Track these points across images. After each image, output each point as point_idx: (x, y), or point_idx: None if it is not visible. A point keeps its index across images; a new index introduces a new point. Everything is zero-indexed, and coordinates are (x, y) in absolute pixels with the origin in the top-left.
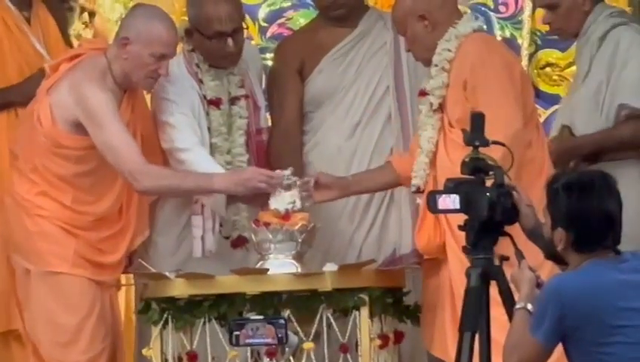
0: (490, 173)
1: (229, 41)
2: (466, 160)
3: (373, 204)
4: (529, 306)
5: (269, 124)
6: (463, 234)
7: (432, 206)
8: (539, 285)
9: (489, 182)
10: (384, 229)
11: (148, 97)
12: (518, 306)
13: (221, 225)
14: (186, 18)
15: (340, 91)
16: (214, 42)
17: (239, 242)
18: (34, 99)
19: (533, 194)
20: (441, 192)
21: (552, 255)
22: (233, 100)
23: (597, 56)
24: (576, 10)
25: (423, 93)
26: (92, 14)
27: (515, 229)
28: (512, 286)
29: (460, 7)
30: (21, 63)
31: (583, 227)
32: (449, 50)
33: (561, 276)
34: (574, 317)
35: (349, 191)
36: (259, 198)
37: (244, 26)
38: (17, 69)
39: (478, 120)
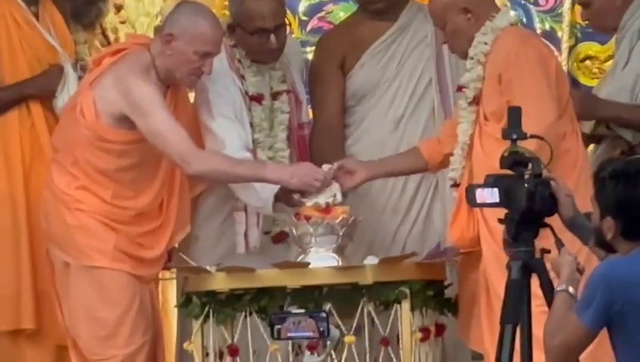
0: (529, 165)
1: (272, 37)
2: (505, 154)
3: (418, 198)
4: (570, 289)
5: (311, 118)
6: (498, 227)
7: (470, 199)
8: (579, 270)
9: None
10: (428, 222)
11: (191, 94)
12: (559, 288)
13: None
14: (227, 13)
15: (383, 85)
16: (256, 38)
17: (281, 237)
18: (76, 92)
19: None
20: (479, 186)
21: (600, 243)
22: (275, 95)
23: (636, 48)
24: (608, 6)
25: (461, 88)
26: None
27: (552, 219)
28: (552, 274)
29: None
30: (31, 59)
31: (631, 215)
32: (485, 44)
33: (611, 261)
34: (623, 302)
35: (374, 174)
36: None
37: (287, 21)
38: (28, 65)
39: (515, 114)
